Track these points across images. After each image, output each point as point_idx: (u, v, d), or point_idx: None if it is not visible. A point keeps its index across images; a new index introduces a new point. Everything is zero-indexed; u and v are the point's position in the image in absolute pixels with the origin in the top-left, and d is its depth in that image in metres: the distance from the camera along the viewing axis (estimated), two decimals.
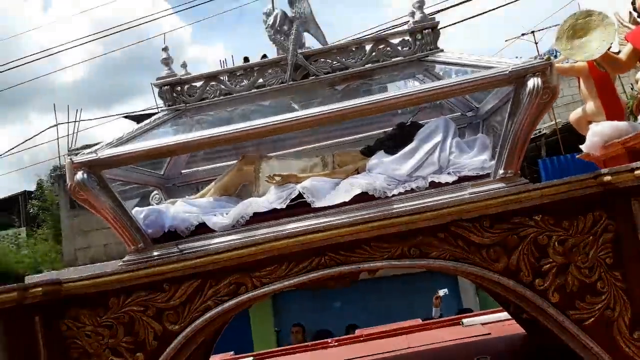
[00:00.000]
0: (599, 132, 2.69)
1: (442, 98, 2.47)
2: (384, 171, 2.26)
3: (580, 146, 2.91)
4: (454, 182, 2.18)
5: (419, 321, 3.53)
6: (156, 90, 2.67)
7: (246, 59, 2.71)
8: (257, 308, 7.29)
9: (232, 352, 3.38)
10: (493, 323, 3.07)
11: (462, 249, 1.96)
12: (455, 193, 2.14)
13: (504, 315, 3.04)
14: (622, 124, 2.67)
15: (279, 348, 3.35)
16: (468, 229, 1.97)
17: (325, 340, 3.35)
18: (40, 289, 1.97)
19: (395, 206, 2.15)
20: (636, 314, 1.87)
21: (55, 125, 10.58)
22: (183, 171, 3.06)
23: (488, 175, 2.16)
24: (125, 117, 10.24)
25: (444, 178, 2.19)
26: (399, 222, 1.98)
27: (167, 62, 2.67)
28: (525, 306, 1.98)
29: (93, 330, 2.03)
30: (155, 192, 2.91)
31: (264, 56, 2.72)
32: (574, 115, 2.97)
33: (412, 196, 2.17)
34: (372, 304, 7.57)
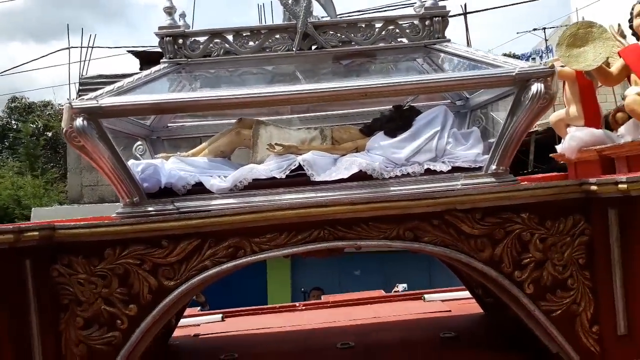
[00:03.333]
0: (577, 137, 2.88)
1: (447, 90, 2.56)
2: (382, 153, 2.34)
3: (557, 146, 3.10)
4: (447, 171, 2.29)
5: (382, 292, 3.71)
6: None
7: None
8: (276, 268, 7.14)
9: (198, 308, 3.44)
10: (453, 300, 3.28)
11: (453, 237, 2.09)
12: (448, 182, 2.26)
13: (464, 294, 3.25)
14: (598, 132, 2.87)
15: (248, 307, 3.45)
16: (460, 218, 2.09)
17: (293, 304, 3.48)
18: (36, 233, 1.95)
19: (391, 188, 2.25)
20: (597, 311, 2.08)
21: (68, 48, 9.84)
22: (169, 124, 3.03)
23: (480, 168, 2.29)
24: (130, 51, 9.70)
25: (439, 166, 2.29)
26: (398, 205, 2.08)
27: (169, 10, 2.60)
28: (501, 294, 2.15)
29: (86, 279, 2.03)
30: (138, 143, 2.87)
31: None
32: (555, 116, 3.15)
33: (407, 180, 2.27)
34: (391, 274, 7.50)
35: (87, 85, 8.24)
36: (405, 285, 5.50)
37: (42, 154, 17.99)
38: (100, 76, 8.59)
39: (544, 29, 11.87)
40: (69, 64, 9.57)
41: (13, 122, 20.57)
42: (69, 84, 9.38)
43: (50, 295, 2.03)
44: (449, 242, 2.09)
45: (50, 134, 18.33)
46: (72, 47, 9.78)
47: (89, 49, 9.41)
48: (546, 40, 11.60)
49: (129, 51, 9.74)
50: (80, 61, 9.10)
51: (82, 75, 8.88)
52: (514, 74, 2.14)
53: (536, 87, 2.10)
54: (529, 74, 2.13)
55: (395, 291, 5.25)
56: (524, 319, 2.15)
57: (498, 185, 2.17)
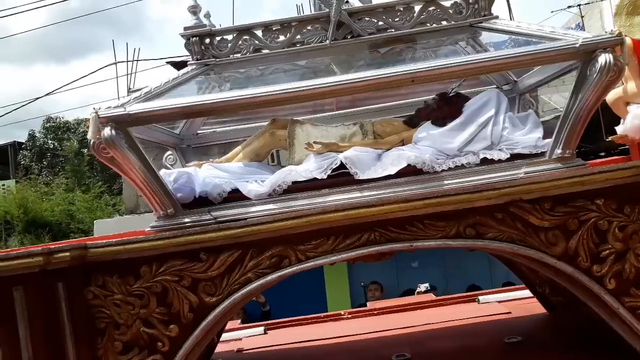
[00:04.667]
0: None
1: (503, 69, 2.35)
2: (432, 144, 2.14)
3: (616, 127, 2.83)
4: (506, 160, 2.08)
5: (432, 296, 3.48)
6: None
7: None
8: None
9: (239, 321, 3.29)
10: (511, 301, 3.04)
11: (520, 231, 1.87)
12: (509, 171, 2.06)
13: (522, 293, 3.01)
14: None
15: (291, 318, 3.27)
16: (527, 210, 1.87)
17: (338, 312, 3.29)
18: (67, 253, 1.81)
19: (445, 182, 2.06)
20: None
21: (114, 63, 9.95)
22: (199, 131, 2.88)
23: (542, 154, 2.07)
24: (169, 62, 9.75)
25: (497, 154, 2.09)
26: (456, 200, 1.87)
27: (194, 10, 2.45)
28: (577, 291, 1.91)
29: (123, 300, 1.88)
30: (168, 152, 2.74)
31: None
32: (613, 94, 2.87)
33: (462, 172, 2.08)
34: (450, 266, 7.26)
35: None
36: (427, 284, 5.19)
37: (87, 170, 18.62)
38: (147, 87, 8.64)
39: (579, 5, 11.39)
40: (117, 77, 9.72)
41: (50, 141, 21.23)
42: (118, 97, 9.49)
43: (85, 320, 1.89)
44: (516, 237, 1.87)
45: (86, 150, 19.04)
46: (119, 62, 9.88)
47: (135, 62, 9.51)
48: (582, 16, 11.12)
49: (168, 62, 9.74)
50: (127, 74, 9.21)
51: (130, 88, 8.97)
52: (577, 45, 1.93)
53: (603, 58, 1.89)
54: (595, 45, 1.92)
55: (418, 292, 5.04)
56: (605, 318, 1.91)
57: (566, 170, 1.95)
